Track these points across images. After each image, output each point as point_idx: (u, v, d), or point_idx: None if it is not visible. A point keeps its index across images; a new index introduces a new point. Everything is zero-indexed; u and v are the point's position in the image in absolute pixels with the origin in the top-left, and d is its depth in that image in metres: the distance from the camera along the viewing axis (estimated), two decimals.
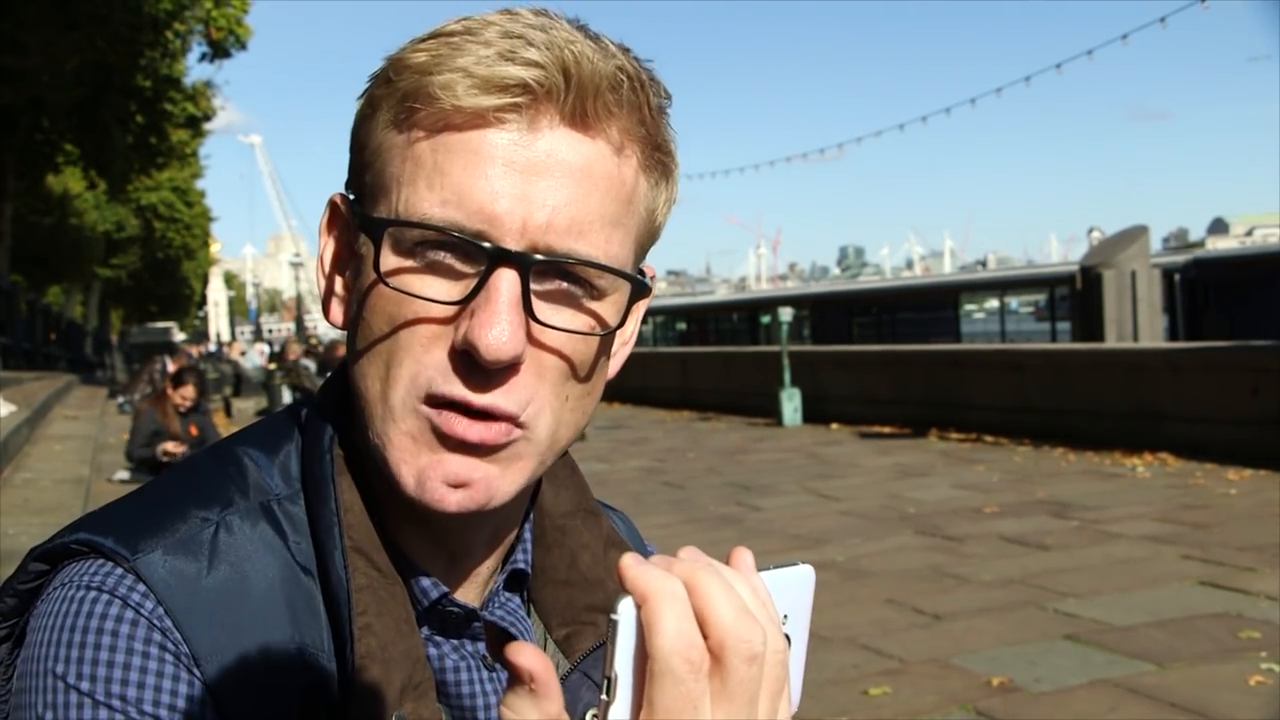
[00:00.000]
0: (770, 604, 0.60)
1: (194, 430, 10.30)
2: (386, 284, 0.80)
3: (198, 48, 24.22)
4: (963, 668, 5.12)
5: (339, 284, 0.90)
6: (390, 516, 0.88)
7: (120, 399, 19.93)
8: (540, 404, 0.82)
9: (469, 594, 0.93)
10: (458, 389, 0.79)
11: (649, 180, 0.86)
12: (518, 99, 0.78)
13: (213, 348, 56.70)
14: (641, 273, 0.89)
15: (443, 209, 0.78)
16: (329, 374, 0.95)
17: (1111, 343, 14.02)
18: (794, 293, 58.07)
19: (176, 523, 0.82)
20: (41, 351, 26.33)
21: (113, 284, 53.12)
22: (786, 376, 16.48)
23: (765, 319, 19.35)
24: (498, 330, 0.77)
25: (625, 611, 0.56)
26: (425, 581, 0.87)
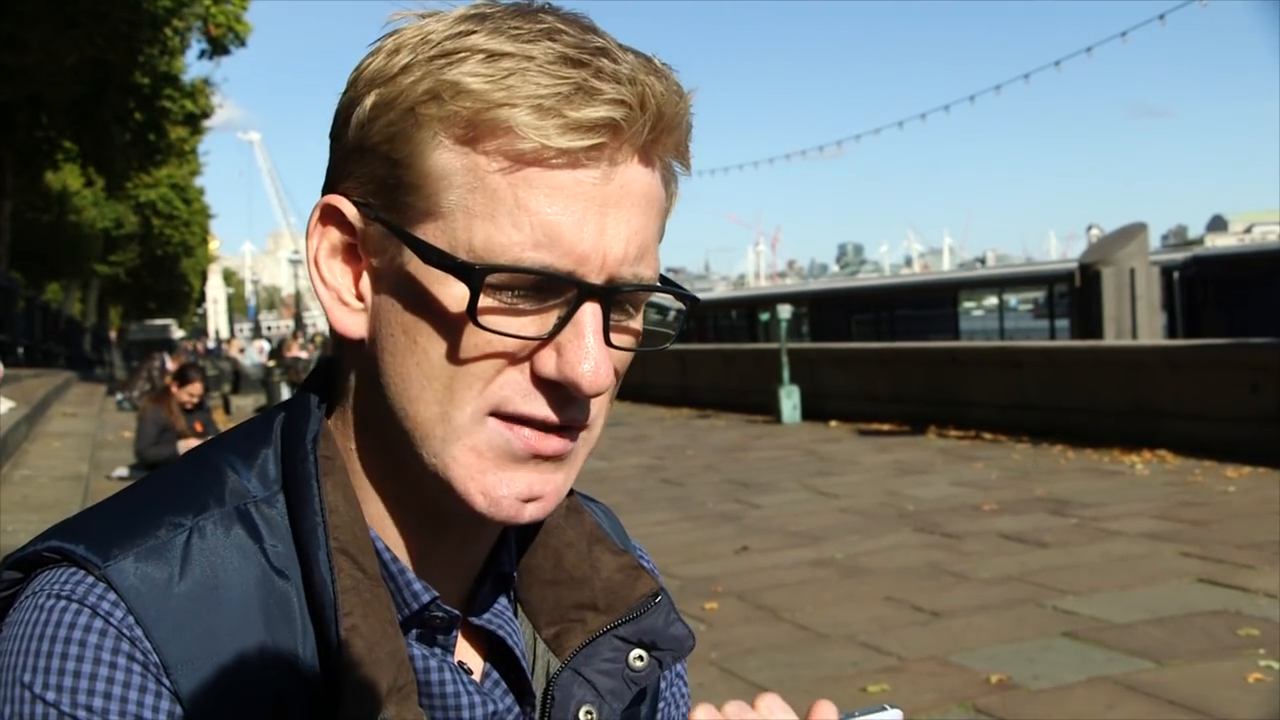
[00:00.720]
0: None
1: (199, 426, 10.30)
2: (479, 324, 0.79)
3: (196, 45, 24.20)
4: (961, 665, 5.12)
5: (348, 293, 0.86)
6: (380, 517, 0.87)
7: (119, 396, 19.93)
8: (599, 410, 0.86)
9: (455, 597, 0.93)
10: (542, 409, 0.81)
11: (670, 190, 0.88)
12: (603, 139, 0.79)
13: (212, 345, 56.63)
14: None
15: (535, 251, 0.78)
16: (307, 375, 0.95)
17: (1110, 340, 14.02)
18: (793, 290, 58.02)
19: (149, 529, 0.82)
20: (40, 348, 26.31)
21: (111, 281, 53.13)
22: (785, 374, 16.48)
23: (764, 316, 19.34)
24: (593, 364, 0.79)
25: None
26: (417, 585, 0.87)
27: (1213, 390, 11.06)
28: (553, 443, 0.82)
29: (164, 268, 55.11)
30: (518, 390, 0.81)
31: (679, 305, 0.91)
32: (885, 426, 14.82)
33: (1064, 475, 10.31)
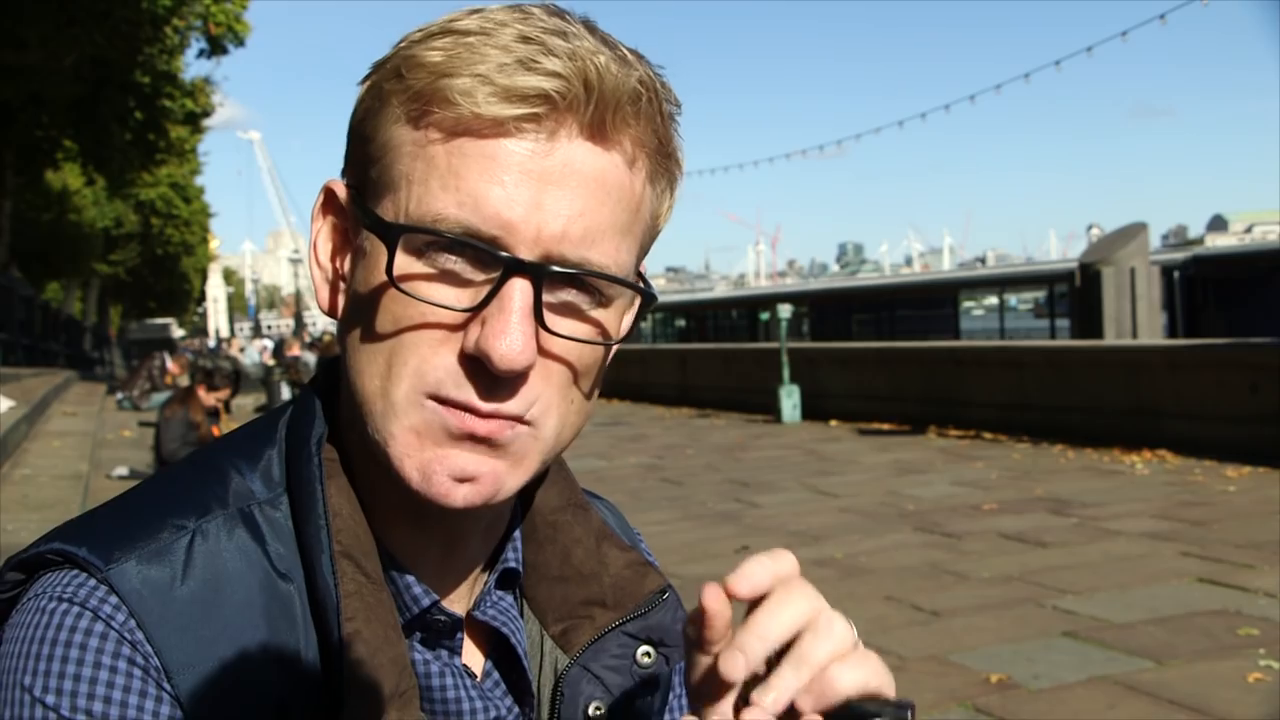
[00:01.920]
0: None
1: (216, 431, 10.26)
2: (399, 288, 0.79)
3: (196, 44, 24.17)
4: (961, 665, 5.12)
5: (333, 271, 0.89)
6: (381, 518, 0.87)
7: (119, 395, 19.92)
8: (546, 403, 0.83)
9: (460, 593, 0.93)
10: (467, 393, 0.79)
11: (655, 188, 0.87)
12: (538, 109, 0.78)
13: (212, 344, 56.64)
14: (645, 279, 0.90)
15: (458, 210, 0.78)
16: (314, 373, 0.95)
17: (1110, 340, 14.01)
18: (793, 289, 58.05)
19: (152, 532, 0.82)
20: (40, 347, 26.31)
21: (112, 280, 53.10)
22: (785, 373, 16.48)
23: (764, 316, 19.35)
24: (510, 340, 0.77)
25: None
26: (417, 589, 0.87)
27: (1213, 390, 11.05)
28: (482, 424, 0.80)
29: (164, 267, 55.10)
30: (449, 373, 0.80)
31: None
32: (885, 426, 14.82)
33: (1064, 475, 10.31)
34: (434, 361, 0.80)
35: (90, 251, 40.04)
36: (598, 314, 0.84)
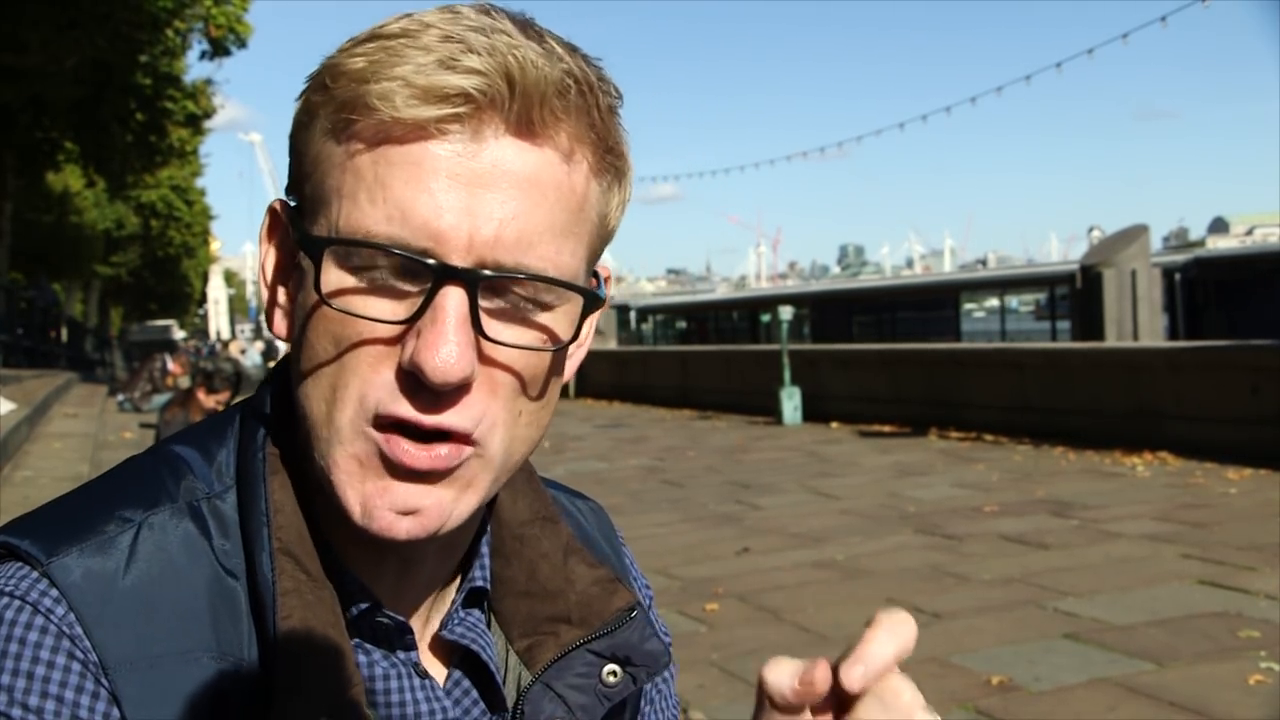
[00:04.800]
0: None
1: None
2: (329, 304, 0.77)
3: (197, 46, 24.20)
4: (962, 666, 5.12)
5: (281, 295, 0.87)
6: (331, 520, 0.85)
7: (120, 397, 19.93)
8: (492, 420, 0.80)
9: (421, 611, 0.91)
10: (405, 409, 0.77)
11: (600, 184, 0.84)
12: (459, 109, 0.75)
13: (213, 344, 56.64)
14: (596, 277, 0.87)
15: (386, 225, 0.76)
16: (276, 363, 0.94)
17: (1111, 342, 14.01)
18: (794, 291, 58.04)
19: (98, 524, 0.80)
20: (41, 349, 26.33)
21: (113, 282, 53.12)
22: (786, 375, 16.48)
23: (765, 317, 19.33)
24: (445, 351, 0.75)
25: None
26: (358, 591, 0.85)
27: (1214, 392, 11.05)
28: (423, 458, 0.78)
29: (165, 269, 55.11)
30: (388, 389, 0.77)
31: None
32: (886, 428, 14.81)
33: (1065, 477, 10.30)
34: (374, 380, 0.78)
35: (91, 253, 40.06)
36: (542, 318, 0.81)
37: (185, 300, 70.27)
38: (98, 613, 0.77)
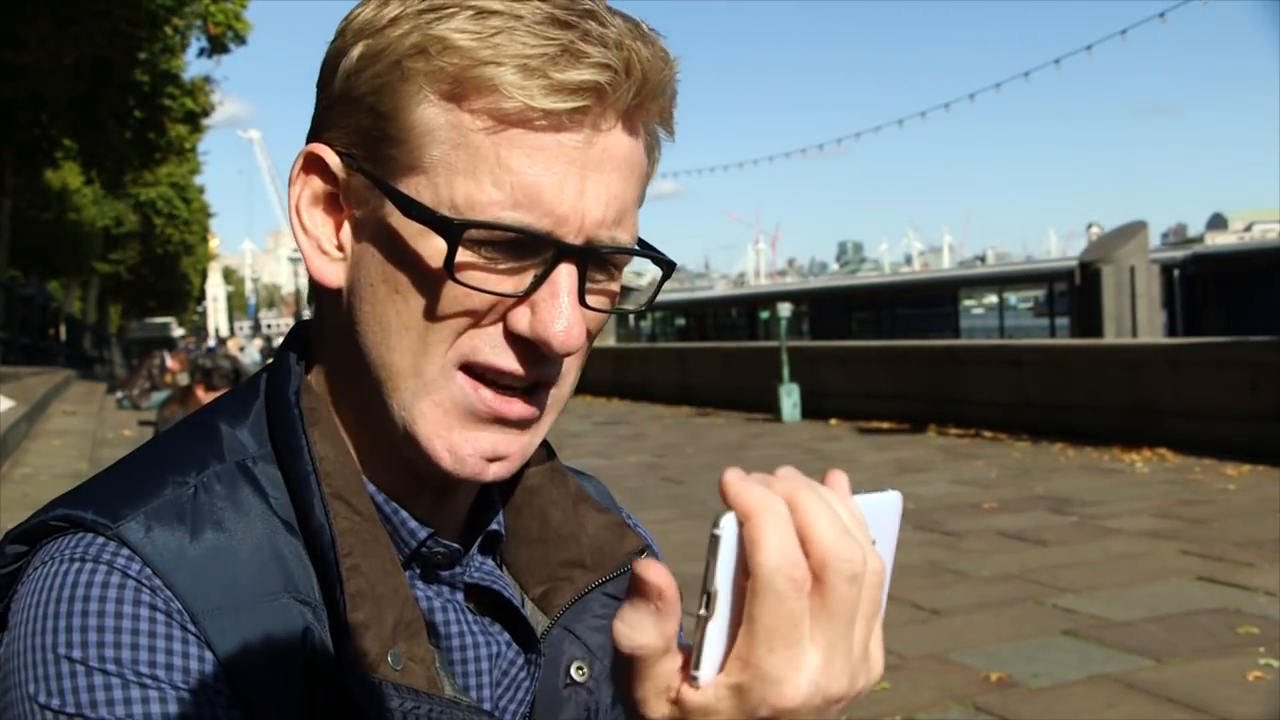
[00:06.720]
0: (865, 526, 0.61)
1: None
2: (458, 280, 0.79)
3: (196, 43, 24.17)
4: (961, 663, 5.13)
5: (328, 242, 0.87)
6: (367, 462, 0.88)
7: (119, 394, 19.92)
8: (569, 368, 0.86)
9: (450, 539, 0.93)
10: (509, 361, 0.81)
11: (650, 158, 0.88)
12: (588, 102, 0.79)
13: (212, 343, 56.60)
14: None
15: (514, 211, 0.78)
16: (285, 338, 0.95)
17: (1110, 338, 14.03)
18: (793, 288, 58.03)
19: (155, 489, 0.82)
20: (39, 346, 26.31)
21: (111, 279, 53.11)
22: (785, 372, 16.48)
23: (764, 314, 19.36)
24: (564, 324, 0.80)
25: (727, 527, 0.57)
26: (413, 524, 0.88)
27: (1212, 388, 11.06)
28: (516, 407, 0.83)
29: (164, 266, 55.10)
30: (487, 341, 0.81)
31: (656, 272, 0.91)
32: (885, 425, 14.82)
33: (1064, 473, 10.31)
34: (475, 334, 0.82)
35: (90, 250, 40.04)
36: (613, 286, 0.86)
37: (184, 298, 70.26)
38: (174, 565, 0.78)
